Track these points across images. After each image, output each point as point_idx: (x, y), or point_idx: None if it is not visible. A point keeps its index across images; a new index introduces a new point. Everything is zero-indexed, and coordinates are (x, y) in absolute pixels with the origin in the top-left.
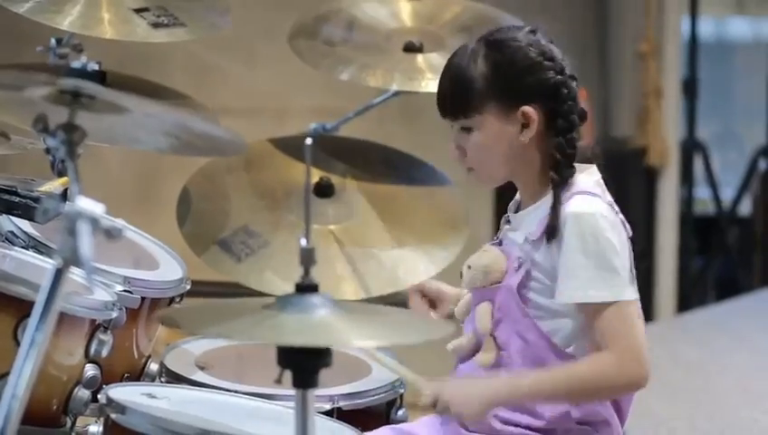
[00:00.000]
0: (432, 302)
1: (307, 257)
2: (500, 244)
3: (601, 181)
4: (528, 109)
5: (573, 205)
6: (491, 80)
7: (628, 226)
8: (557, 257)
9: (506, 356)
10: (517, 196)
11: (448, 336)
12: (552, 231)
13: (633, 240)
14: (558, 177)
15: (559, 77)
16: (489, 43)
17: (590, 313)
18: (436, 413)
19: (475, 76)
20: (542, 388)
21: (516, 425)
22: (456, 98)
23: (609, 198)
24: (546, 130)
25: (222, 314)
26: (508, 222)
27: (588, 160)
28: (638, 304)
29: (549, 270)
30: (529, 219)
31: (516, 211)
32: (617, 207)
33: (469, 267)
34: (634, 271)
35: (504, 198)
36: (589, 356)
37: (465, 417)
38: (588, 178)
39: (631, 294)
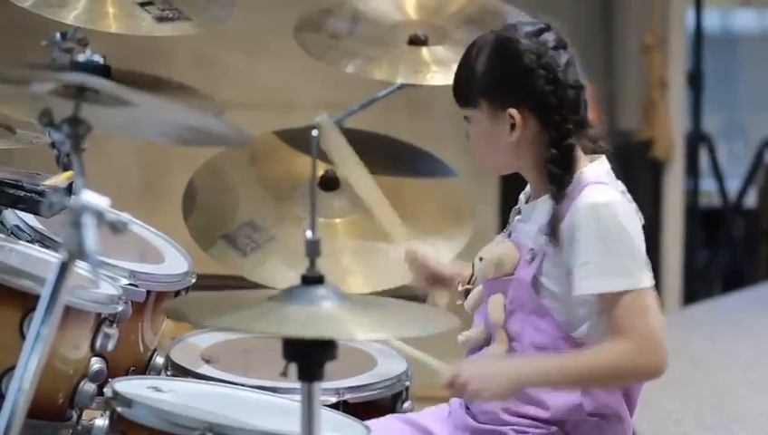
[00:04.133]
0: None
1: (312, 249)
2: (509, 235)
3: (611, 171)
4: (513, 111)
5: (587, 196)
6: (486, 79)
7: (640, 214)
8: (571, 249)
9: (518, 348)
10: (528, 187)
11: (456, 329)
12: (554, 233)
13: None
14: (553, 187)
15: (548, 87)
16: (496, 40)
17: (609, 301)
18: (452, 395)
19: (475, 71)
20: (566, 371)
21: (524, 416)
22: (459, 88)
23: (621, 187)
24: (541, 133)
25: (227, 307)
26: (519, 213)
27: (597, 151)
28: (654, 292)
29: (561, 261)
30: (539, 211)
31: (527, 202)
32: (629, 196)
33: (481, 259)
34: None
35: (510, 190)
36: (608, 342)
37: (486, 397)
38: (598, 167)
39: (648, 280)
